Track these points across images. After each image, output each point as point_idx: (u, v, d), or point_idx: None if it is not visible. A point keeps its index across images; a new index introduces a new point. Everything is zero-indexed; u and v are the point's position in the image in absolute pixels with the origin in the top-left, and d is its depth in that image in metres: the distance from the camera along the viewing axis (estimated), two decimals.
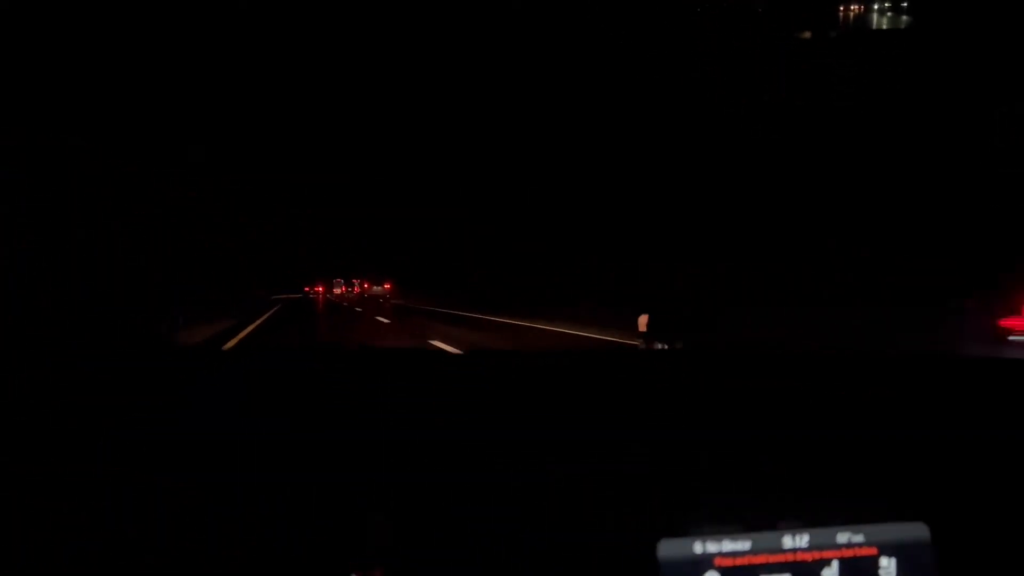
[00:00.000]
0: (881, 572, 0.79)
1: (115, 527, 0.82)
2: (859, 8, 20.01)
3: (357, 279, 65.97)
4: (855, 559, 0.79)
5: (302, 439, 0.94)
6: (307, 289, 62.62)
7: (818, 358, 1.20)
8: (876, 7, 18.73)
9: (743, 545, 0.79)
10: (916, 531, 0.80)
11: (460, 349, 7.14)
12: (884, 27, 17.04)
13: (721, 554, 0.79)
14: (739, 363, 1.37)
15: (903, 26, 15.03)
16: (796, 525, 0.80)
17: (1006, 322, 2.38)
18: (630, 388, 1.19)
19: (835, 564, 0.79)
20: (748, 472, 0.85)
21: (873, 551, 0.80)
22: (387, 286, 35.88)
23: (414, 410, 1.03)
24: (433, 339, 9.12)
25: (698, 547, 0.79)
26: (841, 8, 19.39)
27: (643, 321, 2.91)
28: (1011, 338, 2.35)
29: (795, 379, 1.10)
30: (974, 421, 0.95)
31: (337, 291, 63.88)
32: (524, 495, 0.85)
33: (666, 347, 2.74)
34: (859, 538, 0.80)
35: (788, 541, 0.80)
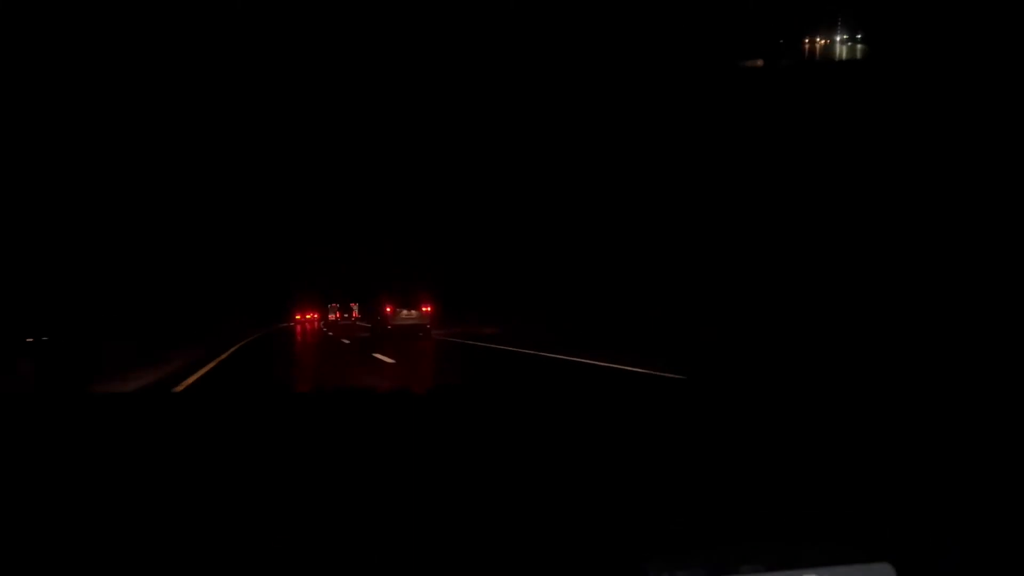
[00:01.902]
0: None
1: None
2: (824, 41, 20.69)
3: (355, 303, 59.19)
4: None
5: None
6: (298, 316, 58.73)
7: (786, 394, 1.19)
8: (839, 39, 19.41)
9: None
10: (881, 572, 0.78)
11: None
12: (845, 58, 17.61)
13: None
14: (711, 401, 1.35)
15: (861, 56, 15.58)
16: (759, 569, 0.77)
17: None
18: (593, 426, 1.16)
19: None
20: (710, 514, 0.83)
21: None
22: (426, 309, 21.00)
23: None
24: None
25: None
26: (807, 41, 20.05)
27: None
28: None
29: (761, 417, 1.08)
30: (937, 457, 0.94)
31: (332, 317, 60.12)
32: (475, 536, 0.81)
33: None
34: None
35: None
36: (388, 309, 19.09)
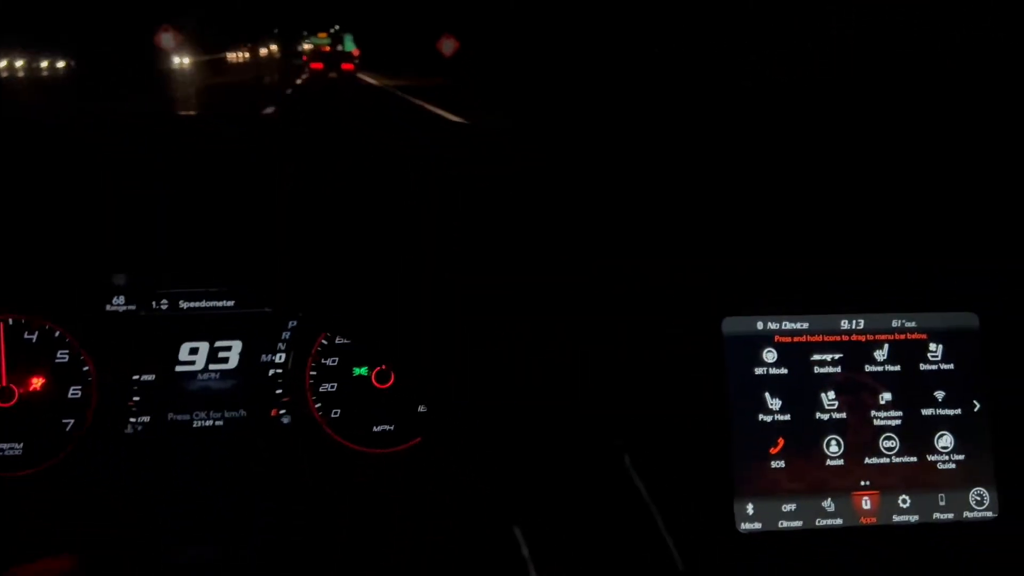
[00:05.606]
0: (929, 356, 0.85)
1: None
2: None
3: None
4: (906, 342, 0.85)
5: None
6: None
7: None
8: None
9: (802, 325, 0.85)
10: (966, 320, 0.86)
11: None
12: None
13: (781, 332, 0.85)
14: None
15: None
16: (853, 309, 0.86)
17: None
18: None
19: (886, 347, 0.85)
20: (810, 261, 0.90)
21: (923, 336, 0.85)
22: None
23: None
24: None
25: (760, 324, 0.85)
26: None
27: None
28: None
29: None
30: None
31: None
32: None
33: None
34: (911, 324, 0.85)
35: (844, 323, 0.85)
36: None
